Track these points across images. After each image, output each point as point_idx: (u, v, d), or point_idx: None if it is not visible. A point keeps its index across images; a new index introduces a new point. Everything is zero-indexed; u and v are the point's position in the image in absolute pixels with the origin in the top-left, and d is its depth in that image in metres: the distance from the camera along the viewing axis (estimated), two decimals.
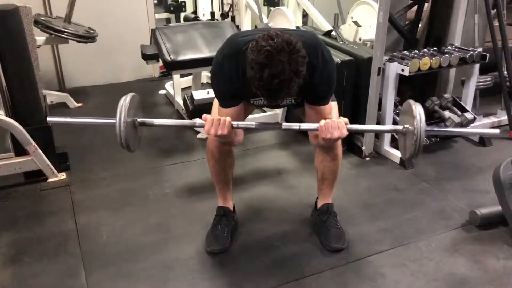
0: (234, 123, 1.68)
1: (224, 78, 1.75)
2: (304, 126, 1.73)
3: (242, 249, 2.10)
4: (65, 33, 3.40)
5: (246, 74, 1.58)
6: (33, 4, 3.01)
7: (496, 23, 3.12)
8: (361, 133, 1.89)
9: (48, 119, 1.80)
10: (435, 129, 1.67)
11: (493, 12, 3.08)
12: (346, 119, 1.69)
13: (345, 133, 1.65)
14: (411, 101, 1.68)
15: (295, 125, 1.71)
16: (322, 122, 1.66)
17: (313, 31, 1.89)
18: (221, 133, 1.65)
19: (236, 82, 1.73)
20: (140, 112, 1.76)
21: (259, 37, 1.51)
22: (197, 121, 1.64)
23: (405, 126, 1.68)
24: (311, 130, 1.77)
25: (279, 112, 3.40)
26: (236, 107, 1.82)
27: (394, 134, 2.80)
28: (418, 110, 1.62)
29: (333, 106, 1.93)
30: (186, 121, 1.75)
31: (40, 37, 3.42)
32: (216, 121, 1.64)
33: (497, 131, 1.84)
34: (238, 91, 1.79)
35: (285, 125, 1.70)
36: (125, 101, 1.64)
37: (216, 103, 1.93)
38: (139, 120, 1.70)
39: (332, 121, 1.65)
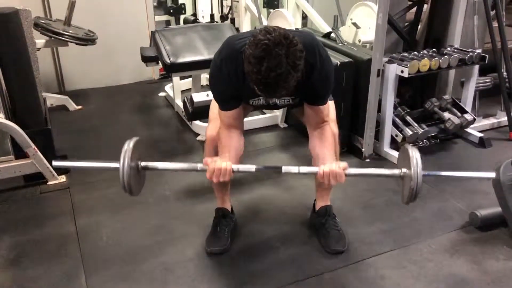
0: (235, 167, 1.70)
1: (223, 81, 1.75)
2: (304, 169, 1.74)
3: (242, 251, 2.10)
4: (65, 36, 3.40)
5: (245, 76, 1.59)
6: (32, 7, 3.02)
7: (495, 24, 3.12)
8: (360, 176, 1.89)
9: (54, 163, 1.94)
10: (432, 173, 1.74)
11: (492, 13, 3.09)
12: (345, 164, 1.69)
13: (343, 181, 1.68)
14: (408, 146, 1.69)
15: (295, 169, 1.71)
16: (321, 168, 1.68)
17: (310, 31, 1.89)
18: (223, 180, 1.69)
19: (235, 84, 1.74)
20: (144, 155, 1.76)
21: (257, 32, 1.52)
22: (199, 165, 1.70)
23: (403, 170, 1.68)
24: (311, 173, 1.78)
25: (278, 114, 3.41)
26: (235, 110, 1.82)
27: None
28: (415, 155, 1.63)
29: (330, 105, 1.93)
30: (189, 165, 1.78)
31: (40, 40, 3.42)
32: (217, 170, 1.67)
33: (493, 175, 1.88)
34: (237, 93, 1.79)
35: (284, 168, 1.71)
36: (128, 146, 1.64)
37: (214, 104, 1.93)
38: (142, 164, 1.70)
39: (331, 170, 1.66)
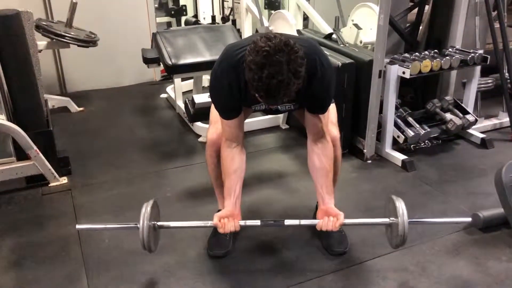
0: (242, 222, 1.86)
1: (224, 91, 1.75)
2: (304, 222, 1.94)
3: (244, 253, 2.10)
4: (66, 38, 3.40)
5: (246, 83, 1.58)
6: (34, 9, 3.02)
7: (497, 25, 3.12)
8: (357, 225, 2.14)
9: (77, 227, 2.04)
10: (418, 220, 2.12)
11: (494, 14, 3.08)
12: (342, 217, 1.84)
13: (337, 228, 1.84)
14: (394, 197, 1.87)
15: (296, 222, 1.90)
16: (320, 224, 1.84)
17: (312, 39, 1.89)
18: (233, 230, 1.85)
19: (237, 94, 1.73)
20: (158, 214, 1.96)
21: (257, 39, 1.51)
22: (209, 222, 1.89)
23: (391, 219, 1.86)
24: (312, 225, 1.95)
25: (280, 115, 3.40)
26: (236, 119, 1.83)
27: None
28: (400, 206, 1.81)
29: (331, 108, 1.93)
30: (200, 223, 1.97)
31: (42, 42, 3.42)
32: (228, 227, 1.83)
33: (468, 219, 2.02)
34: (238, 103, 1.79)
35: (287, 221, 1.89)
36: (146, 209, 1.84)
37: (214, 110, 1.93)
38: (158, 224, 1.90)
39: (327, 227, 1.82)
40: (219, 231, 1.85)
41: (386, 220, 1.89)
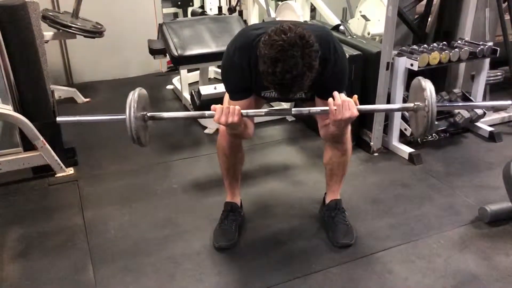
0: (244, 111, 1.67)
1: (235, 70, 1.75)
2: (314, 110, 1.72)
3: (250, 245, 2.10)
4: (73, 28, 3.40)
5: (258, 67, 1.57)
6: None
7: (507, 17, 3.08)
8: (371, 112, 1.81)
9: (58, 119, 1.79)
10: (446, 104, 1.71)
11: (504, 5, 3.04)
12: (355, 96, 1.63)
13: (356, 113, 1.61)
14: (421, 78, 1.66)
15: (305, 110, 1.70)
16: (332, 102, 1.61)
17: (326, 26, 1.88)
18: (232, 121, 1.62)
19: (247, 74, 1.73)
20: (148, 107, 1.76)
21: (272, 30, 1.50)
22: (206, 112, 1.68)
23: (416, 103, 1.66)
24: (321, 113, 1.74)
25: (286, 106, 3.39)
26: (246, 100, 1.81)
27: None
28: (428, 86, 1.60)
29: None
30: (195, 113, 1.80)
31: (48, 32, 3.42)
32: (226, 109, 1.62)
33: (509, 102, 1.76)
34: (249, 84, 1.78)
35: (294, 110, 1.70)
36: (133, 96, 1.65)
37: (227, 97, 1.92)
38: (148, 114, 1.71)
39: (342, 101, 1.60)
40: (215, 118, 1.63)
41: (410, 105, 1.68)
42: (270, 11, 3.54)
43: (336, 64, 1.70)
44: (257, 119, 3.23)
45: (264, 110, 1.75)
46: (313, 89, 1.78)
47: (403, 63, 2.72)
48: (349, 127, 1.98)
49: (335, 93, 1.63)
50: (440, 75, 3.20)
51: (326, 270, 1.93)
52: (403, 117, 2.89)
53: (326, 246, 2.07)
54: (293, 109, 1.73)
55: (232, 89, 1.83)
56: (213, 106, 1.65)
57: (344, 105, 1.59)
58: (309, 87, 1.67)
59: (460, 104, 1.80)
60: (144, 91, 1.75)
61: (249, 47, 1.66)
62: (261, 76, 1.56)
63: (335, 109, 1.60)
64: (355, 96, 1.64)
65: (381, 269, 1.94)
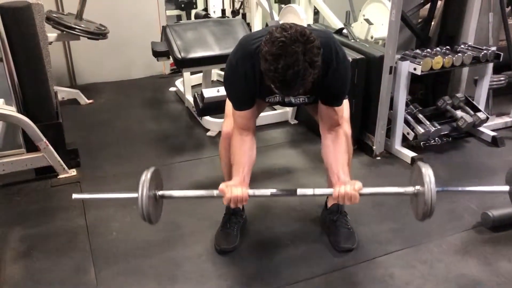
0: (250, 191, 1.71)
1: (240, 79, 1.74)
2: (318, 191, 1.76)
3: (251, 248, 2.10)
4: (77, 30, 3.42)
5: (261, 75, 1.57)
6: (45, 1, 3.03)
7: (510, 21, 3.07)
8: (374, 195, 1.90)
9: (74, 196, 1.83)
10: (447, 188, 1.74)
11: (507, 10, 3.04)
12: (360, 185, 1.68)
13: (356, 202, 1.68)
14: (421, 163, 1.69)
15: (309, 191, 1.73)
16: (337, 190, 1.68)
17: (329, 30, 1.87)
18: (241, 205, 1.70)
19: (252, 84, 1.72)
20: (161, 185, 1.78)
21: (273, 29, 1.50)
22: (215, 192, 1.72)
23: (417, 187, 1.68)
24: (326, 194, 1.85)
25: (289, 110, 3.39)
26: (249, 110, 1.81)
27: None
28: (428, 172, 1.64)
29: (344, 104, 1.91)
30: (205, 192, 1.80)
31: (52, 34, 3.44)
32: (234, 197, 1.68)
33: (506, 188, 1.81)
34: (253, 91, 1.78)
35: (299, 191, 1.73)
36: (146, 176, 1.66)
37: (230, 106, 1.92)
38: (159, 193, 1.74)
39: (346, 192, 1.66)
40: (224, 202, 1.69)
41: (410, 188, 1.70)
42: (273, 14, 3.55)
43: (338, 68, 1.70)
44: (259, 122, 3.24)
45: (270, 191, 1.74)
46: (316, 93, 1.78)
47: (406, 67, 2.72)
48: (350, 130, 1.99)
49: (340, 184, 1.69)
50: (443, 80, 3.20)
51: (328, 274, 1.93)
52: (406, 121, 2.89)
53: (328, 250, 2.07)
54: (298, 190, 1.73)
55: (236, 100, 1.82)
56: (221, 188, 1.69)
57: (347, 197, 1.67)
58: (311, 90, 1.67)
59: (459, 188, 1.91)
60: (158, 170, 1.75)
61: (251, 55, 1.66)
62: (265, 79, 1.56)
63: (339, 196, 1.68)
64: (360, 185, 1.68)
65: (383, 273, 1.94)
